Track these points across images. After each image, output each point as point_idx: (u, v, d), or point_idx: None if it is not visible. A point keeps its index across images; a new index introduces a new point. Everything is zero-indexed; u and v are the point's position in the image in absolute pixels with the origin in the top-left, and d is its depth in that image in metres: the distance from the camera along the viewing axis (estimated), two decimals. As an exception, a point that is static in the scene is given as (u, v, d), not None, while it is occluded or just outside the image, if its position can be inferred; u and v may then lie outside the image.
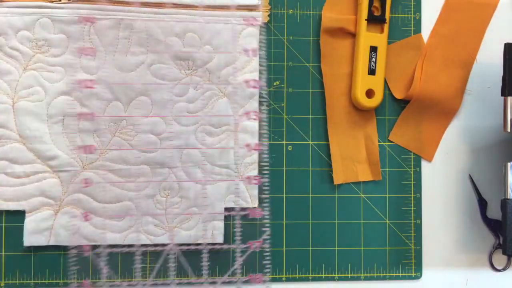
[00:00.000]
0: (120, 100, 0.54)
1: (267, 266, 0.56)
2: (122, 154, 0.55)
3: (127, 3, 0.54)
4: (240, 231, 0.56)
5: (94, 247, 0.54)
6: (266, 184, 0.56)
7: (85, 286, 0.54)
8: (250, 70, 0.56)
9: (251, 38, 0.56)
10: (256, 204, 0.56)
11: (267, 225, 0.56)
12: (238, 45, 0.56)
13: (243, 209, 0.56)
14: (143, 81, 0.55)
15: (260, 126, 0.56)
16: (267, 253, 0.56)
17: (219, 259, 0.56)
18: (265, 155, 0.56)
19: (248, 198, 0.56)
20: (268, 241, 0.56)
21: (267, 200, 0.56)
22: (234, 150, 0.56)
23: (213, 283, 0.56)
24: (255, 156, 0.56)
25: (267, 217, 0.56)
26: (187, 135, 0.55)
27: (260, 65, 0.56)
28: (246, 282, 0.56)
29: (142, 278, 0.55)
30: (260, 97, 0.56)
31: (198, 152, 0.55)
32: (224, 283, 0.56)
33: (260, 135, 0.56)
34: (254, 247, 0.56)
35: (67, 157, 0.54)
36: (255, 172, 0.56)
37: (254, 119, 0.56)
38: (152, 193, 0.55)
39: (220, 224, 0.56)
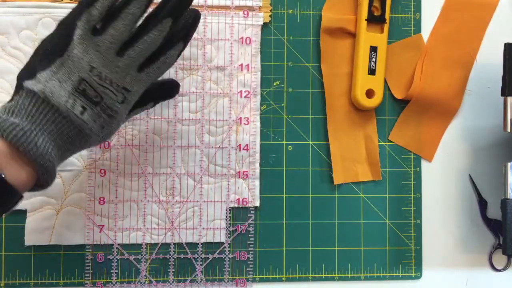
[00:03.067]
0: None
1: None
2: (124, 154, 0.55)
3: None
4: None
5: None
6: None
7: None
8: (252, 69, 0.56)
9: (253, 38, 0.56)
10: (258, 204, 0.56)
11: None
12: (240, 46, 0.56)
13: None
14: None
15: (261, 126, 0.57)
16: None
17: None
18: (265, 155, 0.57)
19: (250, 197, 0.56)
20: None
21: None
22: (235, 149, 0.56)
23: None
24: (256, 156, 0.56)
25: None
26: (189, 134, 0.55)
27: (261, 65, 0.57)
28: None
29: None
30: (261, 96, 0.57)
31: (200, 152, 0.55)
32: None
33: (261, 135, 0.57)
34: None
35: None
36: (256, 172, 0.56)
37: (255, 119, 0.56)
38: (154, 192, 0.55)
39: (222, 224, 0.56)
